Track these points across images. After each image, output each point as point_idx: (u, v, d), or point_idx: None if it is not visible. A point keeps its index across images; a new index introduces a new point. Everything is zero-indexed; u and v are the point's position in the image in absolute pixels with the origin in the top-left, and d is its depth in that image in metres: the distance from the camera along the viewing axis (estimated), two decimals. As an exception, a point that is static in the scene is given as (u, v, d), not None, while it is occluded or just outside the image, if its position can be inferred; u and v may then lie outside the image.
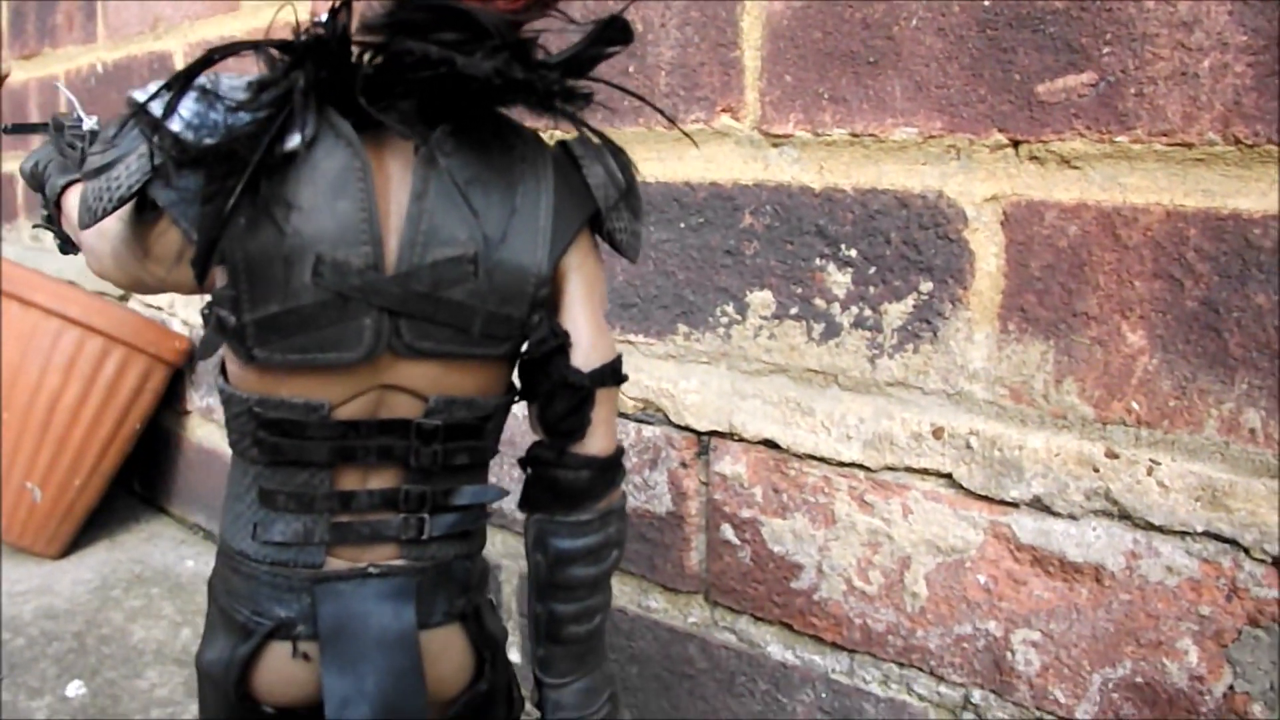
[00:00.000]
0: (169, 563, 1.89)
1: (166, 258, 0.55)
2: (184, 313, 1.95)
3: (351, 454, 0.57)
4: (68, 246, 0.66)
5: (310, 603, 0.59)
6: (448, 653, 0.63)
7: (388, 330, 0.54)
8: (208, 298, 0.56)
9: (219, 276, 0.54)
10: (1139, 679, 0.92)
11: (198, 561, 1.88)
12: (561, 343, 0.59)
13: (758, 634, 1.15)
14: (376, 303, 0.53)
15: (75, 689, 1.46)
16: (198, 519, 2.06)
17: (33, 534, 1.83)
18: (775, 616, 1.13)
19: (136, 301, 2.07)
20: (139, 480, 2.24)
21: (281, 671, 0.60)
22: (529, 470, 0.64)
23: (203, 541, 1.99)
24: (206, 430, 1.98)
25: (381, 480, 0.59)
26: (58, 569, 1.86)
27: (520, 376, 0.63)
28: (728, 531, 1.15)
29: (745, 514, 1.13)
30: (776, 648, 1.14)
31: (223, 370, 0.60)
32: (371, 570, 0.59)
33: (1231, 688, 0.88)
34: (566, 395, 0.59)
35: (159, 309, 2.01)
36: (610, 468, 0.63)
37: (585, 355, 0.60)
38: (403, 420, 0.58)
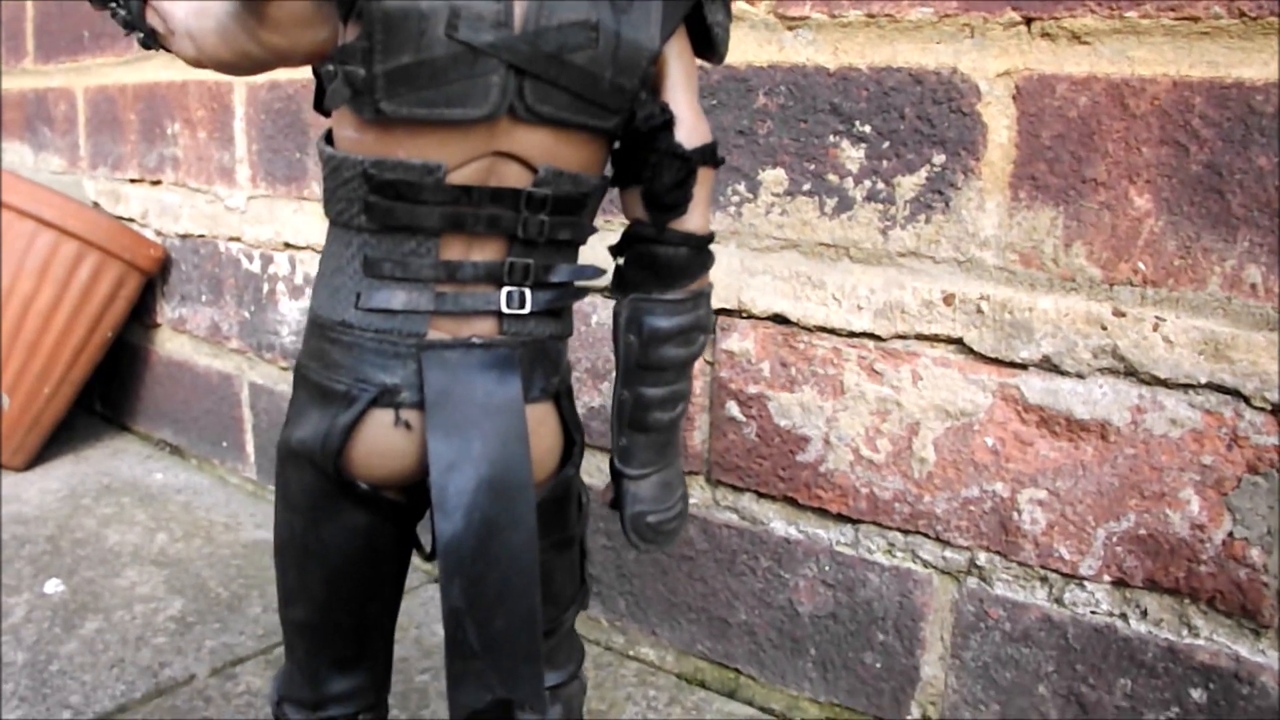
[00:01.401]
0: (137, 475, 1.89)
1: (289, 22, 0.56)
2: (157, 222, 1.94)
3: (461, 222, 0.59)
4: (150, 40, 0.66)
5: (415, 369, 0.60)
6: (543, 429, 0.65)
7: (512, 90, 0.56)
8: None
9: (350, 31, 0.56)
10: (1142, 531, 0.97)
11: (166, 474, 1.89)
12: (668, 118, 0.62)
13: (760, 511, 1.19)
14: (507, 59, 0.55)
15: (54, 586, 1.46)
16: (164, 434, 2.06)
17: (-2, 444, 1.81)
18: (779, 492, 1.17)
19: (110, 207, 2.06)
20: (100, 400, 2.24)
21: (382, 440, 0.61)
22: (625, 253, 0.67)
23: (170, 456, 2.00)
24: (177, 343, 1.99)
25: (485, 253, 0.61)
26: (23, 480, 1.85)
27: (620, 159, 0.66)
28: (733, 409, 1.18)
29: (752, 390, 1.17)
30: (779, 524, 1.18)
31: (328, 140, 0.62)
32: (475, 341, 0.61)
33: (1231, 534, 0.94)
34: (673, 167, 0.62)
35: (131, 220, 2.00)
36: (706, 247, 0.66)
37: (688, 134, 0.63)
38: (512, 190, 0.60)
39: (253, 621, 1.39)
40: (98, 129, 2.08)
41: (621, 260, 0.67)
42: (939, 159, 1.05)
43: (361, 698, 0.73)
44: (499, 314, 0.62)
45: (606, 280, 0.90)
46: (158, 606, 1.43)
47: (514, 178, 0.60)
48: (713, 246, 0.69)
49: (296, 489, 0.65)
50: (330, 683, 0.71)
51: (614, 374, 0.72)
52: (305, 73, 1.60)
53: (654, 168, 0.62)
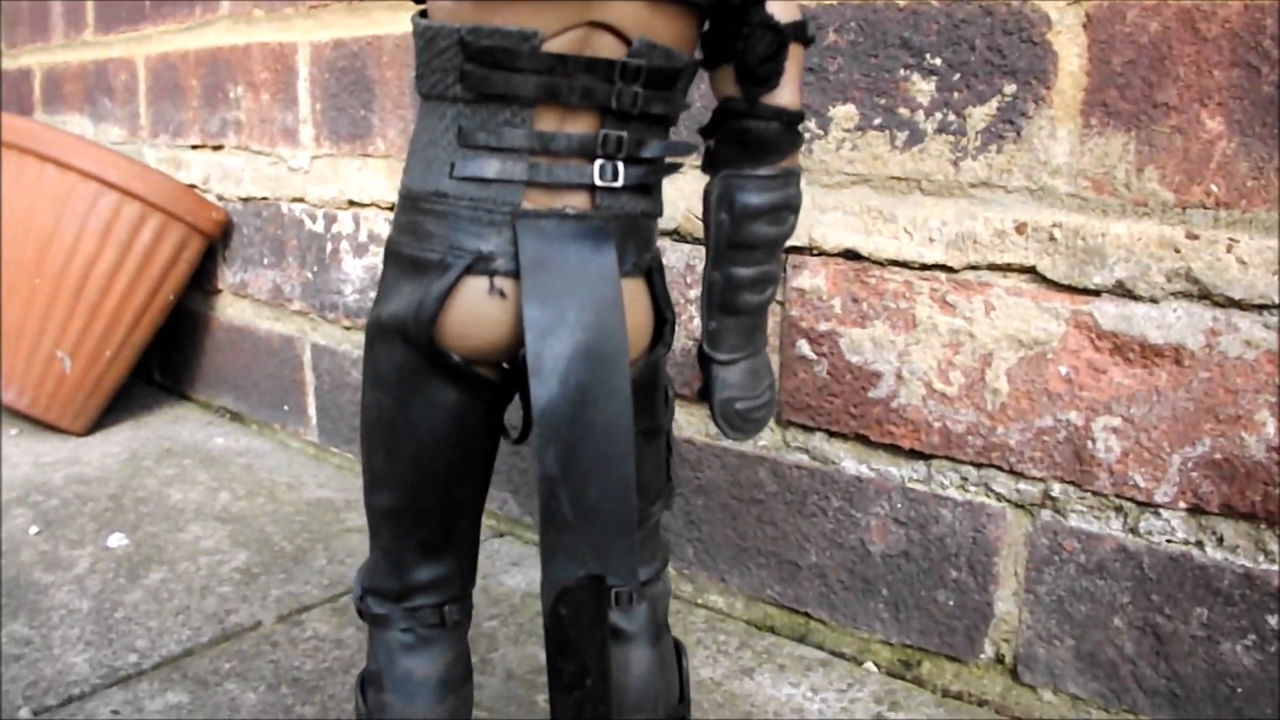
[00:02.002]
0: (198, 439, 2.02)
1: None
2: (219, 187, 2.06)
3: (555, 91, 0.63)
4: None
5: (510, 237, 0.64)
6: (635, 305, 0.69)
7: None
8: None
9: None
10: (1217, 455, 1.03)
11: (227, 439, 2.01)
12: None
13: (831, 450, 1.26)
14: None
15: (117, 540, 1.56)
16: (224, 401, 2.18)
17: (60, 407, 1.94)
18: (850, 429, 1.24)
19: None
20: (160, 369, 2.37)
21: (476, 309, 0.65)
22: (716, 131, 0.72)
23: (230, 422, 2.13)
24: (238, 308, 2.10)
25: (579, 125, 0.65)
26: (84, 444, 1.98)
27: (710, 39, 0.71)
28: (804, 347, 1.26)
29: (823, 327, 1.24)
30: (850, 462, 1.25)
31: (422, 14, 0.68)
32: (569, 211, 0.66)
33: (1307, 457, 0.99)
34: (765, 38, 0.67)
35: (192, 186, 2.12)
36: (797, 123, 0.71)
37: (778, 10, 0.69)
38: (607, 60, 0.64)
39: (318, 573, 1.48)
40: (159, 97, 2.20)
41: (712, 142, 0.73)
42: (1010, 89, 1.11)
43: (448, 588, 0.76)
44: (592, 187, 0.67)
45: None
46: (222, 559, 1.53)
47: (608, 48, 0.65)
48: None
49: (386, 366, 0.69)
50: (416, 571, 0.75)
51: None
52: (370, 29, 1.71)
53: (746, 40, 0.68)
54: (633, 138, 0.67)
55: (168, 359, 2.34)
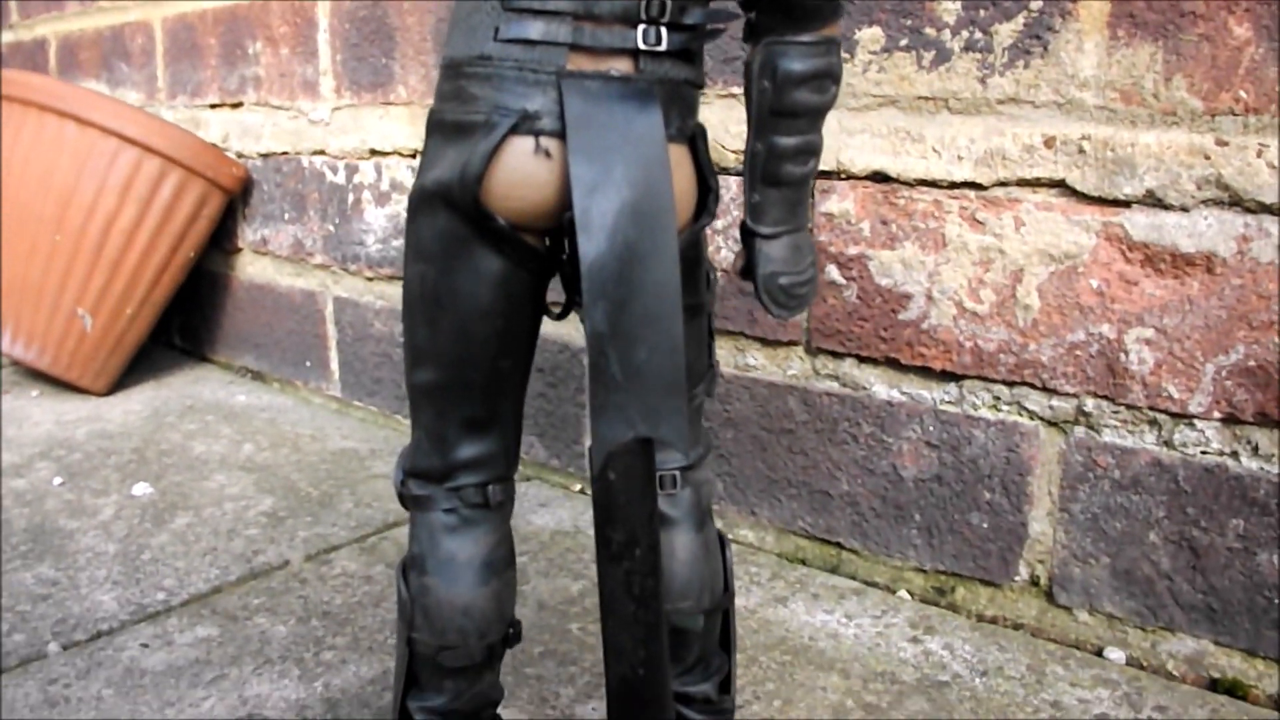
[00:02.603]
0: (220, 397, 2.09)
1: None
2: (238, 145, 2.14)
3: None
4: None
5: (555, 97, 0.68)
6: (679, 171, 0.73)
7: None
8: None
9: None
10: (1251, 362, 1.07)
11: (249, 396, 2.09)
12: None
13: (861, 376, 1.31)
14: None
15: (142, 489, 1.63)
16: (245, 361, 2.26)
17: (80, 366, 2.02)
18: (881, 353, 1.29)
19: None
20: (179, 333, 2.45)
21: (522, 169, 0.69)
22: (758, 3, 0.76)
23: (251, 382, 2.20)
24: (259, 266, 2.18)
25: None
26: (105, 403, 2.06)
27: None
28: (833, 272, 1.31)
29: (852, 251, 1.29)
30: (881, 387, 1.30)
31: None
32: (613, 74, 0.69)
33: (1341, 360, 1.04)
34: None
35: (213, 144, 2.19)
36: None
37: None
38: None
39: (345, 515, 1.54)
40: (176, 58, 2.28)
41: (753, 14, 0.77)
42: (1036, 4, 1.16)
43: (491, 466, 0.80)
44: (636, 51, 0.70)
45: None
46: (248, 504, 1.59)
47: None
48: None
49: (429, 236, 0.73)
50: (460, 448, 0.79)
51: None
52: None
53: None
54: (676, 4, 0.70)
55: (188, 322, 2.42)
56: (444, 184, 0.71)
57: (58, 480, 1.69)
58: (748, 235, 0.80)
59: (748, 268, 0.80)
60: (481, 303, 0.74)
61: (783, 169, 0.78)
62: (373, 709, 1.11)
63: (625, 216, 0.66)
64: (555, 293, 0.80)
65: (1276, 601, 1.09)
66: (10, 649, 1.23)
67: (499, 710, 0.90)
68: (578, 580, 1.36)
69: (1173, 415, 1.13)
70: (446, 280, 0.74)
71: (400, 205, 1.85)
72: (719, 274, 1.37)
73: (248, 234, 2.19)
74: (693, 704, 0.85)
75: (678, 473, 0.83)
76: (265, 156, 2.11)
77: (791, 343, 1.37)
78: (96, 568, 1.42)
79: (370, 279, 1.93)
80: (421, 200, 0.73)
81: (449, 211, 0.71)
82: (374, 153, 1.86)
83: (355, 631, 1.26)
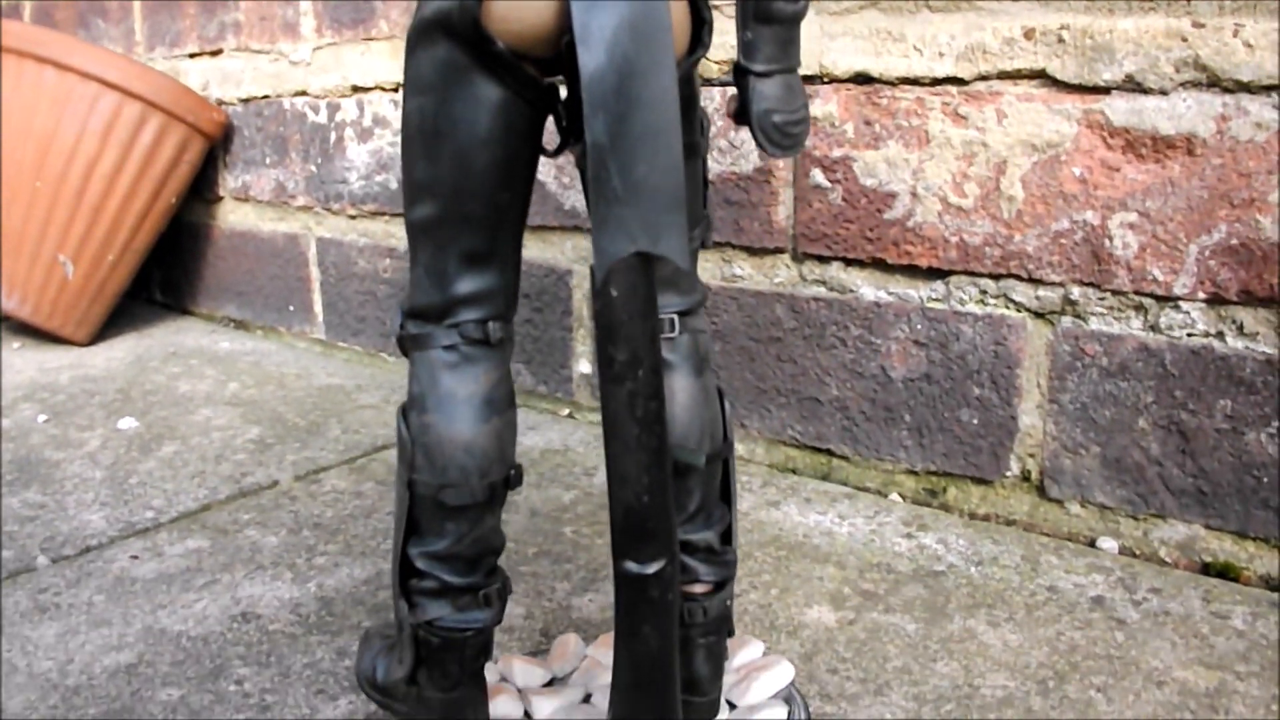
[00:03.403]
0: (203, 344, 2.10)
1: None
2: (218, 91, 2.14)
3: None
4: None
5: None
6: (676, 7, 0.74)
7: None
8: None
9: None
10: (1234, 241, 1.09)
11: (233, 343, 2.09)
12: None
13: (848, 279, 1.33)
14: None
15: (128, 423, 1.64)
16: (227, 311, 2.27)
17: (62, 315, 2.02)
18: (868, 254, 1.30)
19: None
20: (160, 288, 2.45)
21: None
22: None
23: (234, 331, 2.20)
24: (240, 213, 2.18)
25: None
26: (88, 352, 2.06)
27: None
28: (817, 176, 1.32)
29: (836, 154, 1.30)
30: (868, 289, 1.31)
31: None
32: None
33: (1321, 232, 1.05)
34: None
35: (193, 90, 2.19)
36: None
37: None
38: None
39: (334, 441, 1.55)
40: (154, 10, 2.29)
41: None
42: (1017, -103, 1.18)
43: (491, 302, 0.80)
44: None
45: None
46: (235, 434, 1.60)
47: None
48: None
49: (428, 67, 0.74)
50: (460, 282, 0.79)
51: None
52: None
53: None
54: None
55: (168, 276, 2.42)
56: (443, 11, 0.71)
57: (42, 418, 1.69)
58: (741, 75, 0.81)
59: (742, 108, 0.82)
60: (480, 131, 0.75)
61: (774, 6, 0.79)
62: (368, 606, 1.12)
63: (624, 31, 0.67)
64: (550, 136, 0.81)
65: (1266, 481, 1.11)
66: (-1, 563, 1.24)
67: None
68: (569, 490, 1.37)
69: (1158, 298, 1.15)
70: (445, 110, 0.75)
71: (383, 140, 1.86)
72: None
73: (229, 181, 2.19)
74: (696, 552, 0.86)
75: (675, 316, 0.84)
76: (246, 102, 2.11)
77: (778, 250, 1.38)
78: (84, 491, 1.42)
79: (354, 217, 1.94)
80: (420, 32, 0.74)
81: (448, 40, 0.72)
82: (356, 89, 1.87)
83: (347, 539, 1.27)
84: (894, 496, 1.33)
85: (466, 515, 0.80)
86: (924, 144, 1.25)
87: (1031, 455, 1.24)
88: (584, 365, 1.61)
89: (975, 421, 1.27)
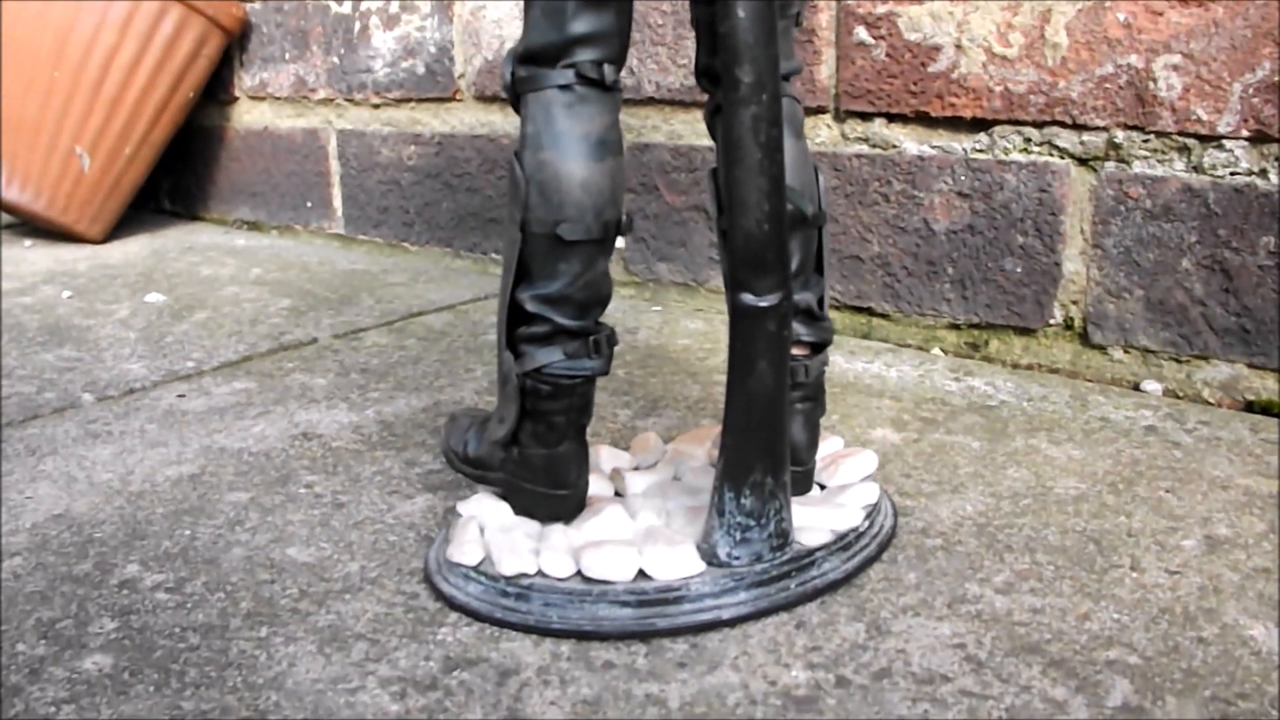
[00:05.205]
0: (219, 241, 2.09)
1: None
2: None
3: None
4: None
5: None
6: None
7: None
8: None
9: None
10: (1277, 77, 1.11)
11: (248, 240, 2.09)
12: None
13: (891, 134, 1.34)
14: None
15: (155, 297, 1.63)
16: (241, 213, 2.26)
17: (78, 209, 2.00)
18: (911, 108, 1.31)
19: None
20: (169, 196, 2.43)
21: None
22: None
23: (248, 232, 2.20)
24: (256, 112, 2.17)
25: None
26: (102, 249, 2.05)
27: None
28: (861, 33, 1.33)
29: (880, 10, 1.32)
30: (911, 144, 1.32)
31: None
32: None
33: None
34: None
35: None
36: None
37: None
38: None
39: (368, 309, 1.55)
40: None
41: None
42: None
43: (607, 44, 0.81)
44: None
45: None
46: (266, 304, 1.60)
47: None
48: None
49: None
50: (577, 21, 0.79)
51: None
52: None
53: None
54: None
55: (178, 183, 2.40)
56: None
57: (66, 294, 1.68)
58: None
59: None
60: None
61: None
62: (429, 429, 1.11)
63: None
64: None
65: (1307, 313, 1.13)
66: (43, 404, 1.21)
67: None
68: (620, 366, 1.36)
69: (1201, 138, 1.17)
70: None
71: (410, 25, 1.86)
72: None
73: (245, 80, 2.18)
74: (797, 314, 0.86)
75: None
76: (265, -2, 2.09)
77: (820, 109, 1.39)
78: (120, 348, 1.41)
79: (377, 106, 1.93)
80: None
81: None
82: (383, -24, 1.86)
83: (398, 379, 1.27)
84: (936, 351, 1.34)
85: (580, 254, 0.80)
86: (971, -4, 1.27)
87: (1075, 302, 1.26)
88: (619, 241, 1.61)
89: (1019, 270, 1.28)
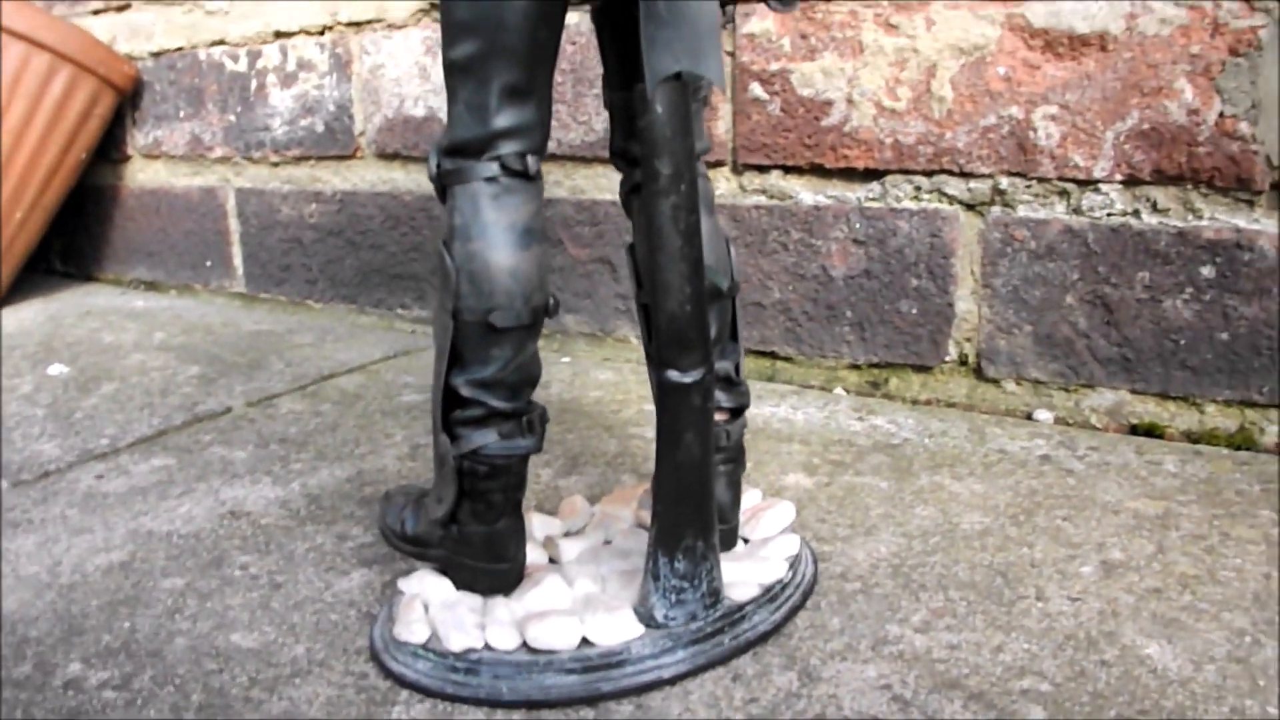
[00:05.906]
0: (117, 304, 2.07)
1: None
2: (126, 47, 2.12)
3: None
4: None
5: None
6: None
7: None
8: None
9: None
10: (1145, 125, 1.20)
11: (148, 302, 2.07)
12: None
13: (788, 185, 1.40)
14: None
15: (58, 369, 1.62)
16: (138, 273, 2.24)
17: (-33, 275, 1.94)
18: (806, 160, 1.37)
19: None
20: (60, 257, 2.41)
21: None
22: None
23: (147, 292, 2.17)
24: (151, 171, 2.16)
25: None
26: None
27: None
28: (756, 89, 1.39)
29: (774, 67, 1.38)
30: (807, 194, 1.39)
31: None
32: None
33: (1221, 114, 1.17)
34: None
35: (103, 42, 2.15)
36: None
37: None
38: None
39: (279, 373, 1.57)
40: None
41: None
42: None
43: (529, 136, 0.84)
44: None
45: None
46: (175, 371, 1.60)
47: None
48: None
49: None
50: (500, 116, 0.83)
51: None
52: None
53: None
54: None
55: (70, 243, 2.38)
56: None
57: (-38, 369, 1.65)
58: None
59: None
60: None
61: None
62: (356, 499, 1.14)
63: None
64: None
65: (1183, 344, 1.21)
66: (-43, 487, 1.21)
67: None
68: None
69: (1079, 183, 1.25)
70: None
71: (308, 84, 1.88)
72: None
73: (138, 139, 2.18)
74: (717, 381, 0.91)
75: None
76: (157, 55, 2.10)
77: (717, 163, 1.44)
78: (29, 426, 1.40)
79: (276, 164, 1.95)
80: None
81: None
82: (279, 35, 1.88)
83: (318, 449, 1.29)
84: (838, 391, 1.40)
85: (511, 339, 0.84)
86: (858, 53, 1.33)
87: (968, 339, 1.33)
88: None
89: (915, 311, 1.35)
